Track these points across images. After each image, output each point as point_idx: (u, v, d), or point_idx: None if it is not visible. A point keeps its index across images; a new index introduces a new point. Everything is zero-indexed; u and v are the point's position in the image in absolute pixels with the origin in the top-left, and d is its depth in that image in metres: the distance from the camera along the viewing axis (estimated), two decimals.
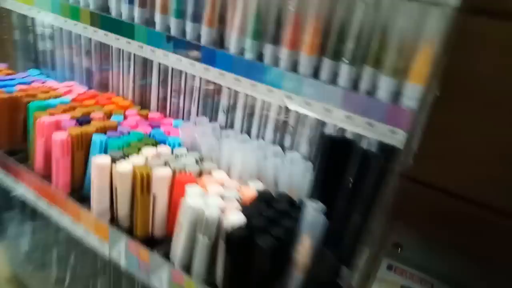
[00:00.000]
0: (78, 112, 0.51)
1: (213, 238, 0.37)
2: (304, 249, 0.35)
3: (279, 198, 0.40)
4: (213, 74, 0.47)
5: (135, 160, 0.43)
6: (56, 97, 0.56)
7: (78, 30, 0.58)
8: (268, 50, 0.44)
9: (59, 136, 0.44)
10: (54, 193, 0.47)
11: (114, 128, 0.49)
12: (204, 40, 0.48)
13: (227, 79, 0.46)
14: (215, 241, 0.37)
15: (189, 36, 0.49)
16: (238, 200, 0.39)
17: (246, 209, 0.38)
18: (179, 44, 0.49)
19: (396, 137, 0.37)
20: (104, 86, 0.62)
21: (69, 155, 0.46)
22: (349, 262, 0.36)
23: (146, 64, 0.56)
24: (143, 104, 0.58)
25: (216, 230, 0.37)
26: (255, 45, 0.45)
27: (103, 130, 0.48)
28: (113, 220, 0.44)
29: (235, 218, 0.36)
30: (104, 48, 0.59)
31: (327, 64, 0.41)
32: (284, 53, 0.43)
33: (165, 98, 0.56)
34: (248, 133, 0.49)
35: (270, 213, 0.37)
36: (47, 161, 0.48)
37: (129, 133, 0.49)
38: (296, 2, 0.41)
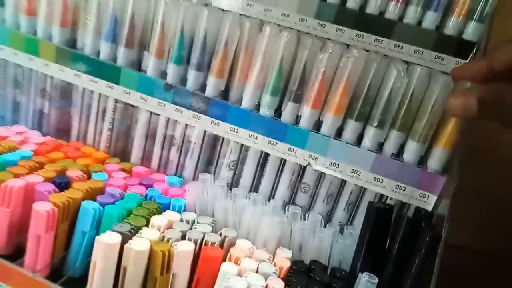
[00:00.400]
0: (49, 171, 0.42)
1: None
2: None
3: (314, 266, 0.38)
4: (223, 129, 0.44)
5: (149, 235, 0.36)
6: (11, 149, 0.45)
7: (34, 66, 0.49)
8: (288, 107, 0.42)
9: (42, 207, 0.36)
10: (29, 278, 0.37)
11: (101, 191, 0.42)
12: (209, 92, 0.45)
13: (240, 135, 0.43)
14: None
15: (190, 85, 0.45)
16: (276, 274, 0.36)
17: (292, 285, 0.35)
18: (180, 94, 0.44)
19: (427, 201, 0.39)
20: (63, 132, 0.53)
21: (53, 230, 0.37)
22: None
23: (128, 109, 0.49)
24: (120, 155, 0.51)
25: None
26: (273, 101, 0.43)
27: (90, 195, 0.40)
28: None
29: None
30: (66, 87, 0.50)
31: (352, 126, 0.41)
32: (306, 111, 0.42)
33: (151, 149, 0.49)
34: (256, 190, 0.47)
35: (316, 286, 0.35)
36: (11, 238, 0.38)
37: (122, 196, 0.42)
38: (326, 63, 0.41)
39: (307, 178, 0.45)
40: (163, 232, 0.38)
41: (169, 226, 0.39)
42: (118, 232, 0.36)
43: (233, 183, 0.47)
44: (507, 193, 0.58)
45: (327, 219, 0.44)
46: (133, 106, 0.48)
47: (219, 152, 0.47)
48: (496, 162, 0.58)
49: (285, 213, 0.43)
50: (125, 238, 0.35)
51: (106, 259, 0.35)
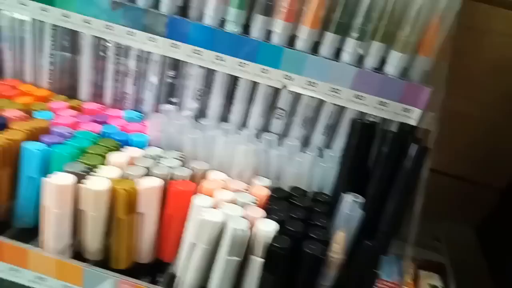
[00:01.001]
0: None
1: (243, 255, 0.31)
2: (339, 245, 0.32)
3: (295, 192, 0.36)
4: (184, 52, 0.38)
5: (107, 173, 0.32)
6: None
7: None
8: (258, 22, 0.37)
9: None
10: None
11: (47, 131, 0.36)
12: (165, 8, 0.39)
13: (204, 58, 0.38)
14: (244, 258, 0.31)
15: (142, 1, 0.39)
16: (255, 204, 0.33)
17: (271, 212, 0.32)
18: (131, 13, 0.38)
19: (411, 116, 0.37)
20: None
21: None
22: (385, 251, 0.34)
23: (73, 37, 0.42)
24: (67, 92, 0.44)
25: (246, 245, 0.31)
26: (240, 16, 0.38)
27: (33, 136, 0.35)
28: (78, 256, 0.33)
29: (268, 227, 0.30)
30: None
31: (329, 39, 0.37)
32: (278, 25, 0.37)
33: (101, 83, 0.43)
34: (226, 120, 0.43)
35: (299, 212, 0.33)
36: None
37: (72, 135, 0.36)
38: None
39: (282, 102, 0.41)
40: (124, 170, 0.33)
41: (131, 163, 0.35)
42: (70, 172, 0.31)
43: (201, 114, 0.42)
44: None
45: (305, 144, 0.41)
46: (75, 32, 0.41)
47: (181, 80, 0.42)
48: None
49: (260, 141, 0.39)
50: (80, 179, 0.31)
51: (58, 204, 0.31)
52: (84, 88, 0.44)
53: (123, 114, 0.42)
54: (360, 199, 0.33)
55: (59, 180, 0.30)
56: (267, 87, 0.40)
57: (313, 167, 0.38)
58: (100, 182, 0.31)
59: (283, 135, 0.42)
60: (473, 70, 0.57)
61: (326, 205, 0.35)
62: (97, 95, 0.44)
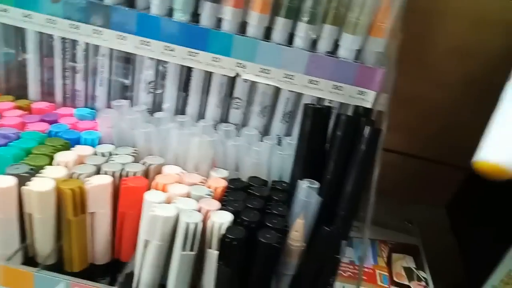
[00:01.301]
0: None
1: (198, 248, 0.30)
2: (298, 232, 0.32)
3: (253, 183, 0.36)
4: (132, 43, 0.37)
5: (53, 173, 0.31)
6: None
7: None
8: (207, 9, 0.37)
9: None
10: None
11: None
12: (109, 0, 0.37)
13: (153, 49, 0.37)
14: (198, 251, 0.31)
15: None
16: (211, 196, 0.33)
17: (227, 203, 0.32)
18: (72, 5, 0.37)
19: (366, 98, 0.37)
20: None
21: None
22: (345, 235, 0.34)
23: (16, 33, 0.40)
24: (16, 92, 0.43)
25: (201, 238, 0.30)
26: (188, 3, 0.37)
27: None
28: (30, 261, 0.32)
29: (222, 218, 0.30)
30: None
31: (281, 24, 0.37)
32: (228, 12, 0.37)
33: (51, 81, 0.42)
34: (182, 113, 0.42)
35: (255, 202, 0.33)
36: None
37: (18, 136, 0.35)
38: None
39: (238, 91, 0.40)
40: (72, 169, 0.32)
41: (80, 162, 0.33)
42: (12, 174, 0.30)
43: (155, 109, 0.41)
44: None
45: (264, 133, 0.41)
46: (19, 28, 0.39)
47: (133, 74, 0.40)
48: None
49: (217, 133, 0.39)
50: (23, 181, 0.30)
51: (2, 208, 0.29)
52: (33, 87, 0.42)
53: (75, 112, 0.41)
54: (316, 184, 0.33)
55: (1, 184, 0.29)
56: (221, 77, 0.39)
57: (272, 155, 0.38)
58: (44, 183, 0.30)
59: (242, 125, 0.41)
60: (433, 53, 0.57)
61: (285, 194, 0.35)
62: (47, 94, 0.43)
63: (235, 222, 0.30)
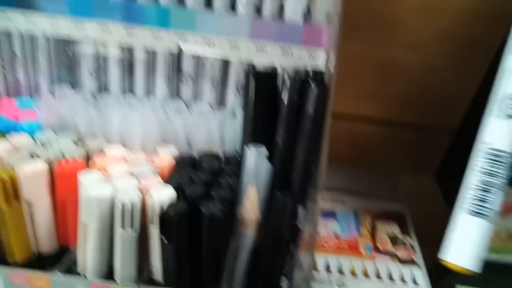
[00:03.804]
0: None
1: (139, 227, 0.29)
2: (252, 202, 0.31)
3: (204, 157, 0.35)
4: (66, 25, 0.36)
5: None
6: None
7: None
8: None
9: None
10: None
11: None
12: None
13: (88, 29, 0.36)
14: (142, 230, 0.30)
15: None
16: (154, 174, 0.32)
17: (171, 179, 0.31)
18: None
19: (317, 60, 0.36)
20: None
21: None
22: (302, 201, 0.33)
23: None
24: None
25: (141, 217, 0.29)
26: None
27: None
28: None
29: (163, 194, 0.29)
30: None
31: None
32: None
33: None
34: (131, 92, 0.41)
35: (203, 176, 0.31)
36: None
37: None
38: None
39: (185, 66, 0.39)
40: (5, 158, 0.31)
41: (15, 151, 0.32)
42: None
43: (100, 92, 0.40)
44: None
45: (218, 107, 0.40)
46: None
47: (73, 58, 0.39)
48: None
49: (166, 110, 0.38)
50: None
51: None
52: None
53: (15, 102, 0.39)
54: (264, 151, 0.32)
55: None
56: (165, 51, 0.38)
57: (225, 129, 0.37)
58: None
59: (193, 100, 0.40)
60: (400, 11, 0.56)
61: (236, 165, 0.34)
62: None
63: (178, 198, 0.29)
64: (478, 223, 0.18)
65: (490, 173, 0.18)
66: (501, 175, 0.17)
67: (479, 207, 0.18)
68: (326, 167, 0.33)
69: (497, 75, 0.19)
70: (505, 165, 0.18)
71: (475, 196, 0.18)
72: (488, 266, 0.56)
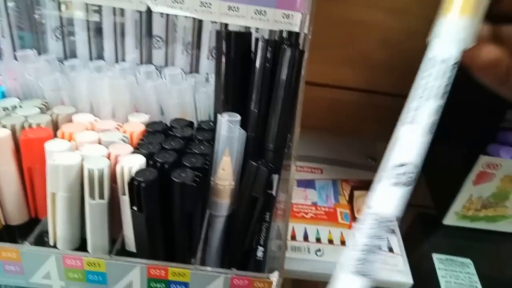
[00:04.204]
0: None
1: (109, 196, 0.29)
2: (225, 170, 0.31)
3: (176, 125, 0.34)
4: None
5: None
6: None
7: None
8: None
9: None
10: None
11: None
12: None
13: None
14: (112, 199, 0.29)
15: None
16: (125, 141, 0.31)
17: (142, 147, 0.30)
18: None
19: (292, 22, 0.34)
20: None
21: None
22: (277, 168, 0.33)
23: None
24: None
25: (110, 185, 0.28)
26: None
27: None
28: None
29: (133, 162, 0.28)
30: None
31: None
32: None
33: None
34: (100, 58, 0.39)
35: (175, 143, 0.31)
36: None
37: None
38: None
39: (156, 29, 0.37)
40: None
41: None
42: None
43: (67, 57, 0.38)
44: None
45: (191, 72, 0.39)
46: None
47: (37, 21, 0.37)
48: None
49: (137, 75, 0.36)
50: None
51: None
52: None
53: None
54: (237, 117, 0.31)
55: None
56: (134, 13, 0.36)
57: (198, 94, 0.36)
58: None
59: (166, 65, 0.39)
60: None
61: (210, 132, 0.33)
62: None
63: (148, 165, 0.29)
64: (360, 283, 0.19)
65: (374, 237, 0.19)
66: (383, 238, 0.19)
67: (362, 267, 0.19)
68: (299, 134, 0.32)
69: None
70: (388, 230, 0.19)
71: (359, 257, 0.19)
72: (463, 233, 0.58)
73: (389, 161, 0.19)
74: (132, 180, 0.27)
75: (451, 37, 0.19)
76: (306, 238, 0.52)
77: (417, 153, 0.19)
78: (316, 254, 0.50)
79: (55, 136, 0.31)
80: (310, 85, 0.62)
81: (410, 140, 0.19)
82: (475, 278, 0.52)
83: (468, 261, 0.54)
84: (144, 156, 0.29)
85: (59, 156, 0.28)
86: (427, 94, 0.19)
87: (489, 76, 0.22)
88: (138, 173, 0.27)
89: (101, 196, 0.28)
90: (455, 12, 0.18)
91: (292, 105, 0.31)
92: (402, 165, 0.19)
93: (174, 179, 0.28)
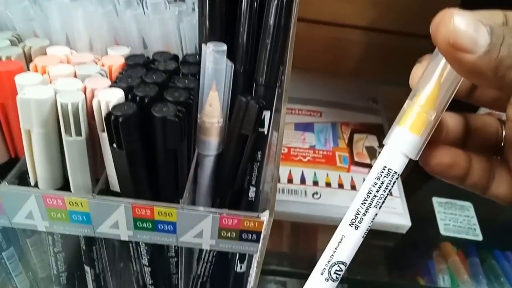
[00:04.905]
0: None
1: (87, 133, 0.27)
2: (212, 106, 0.29)
3: (158, 57, 0.31)
4: None
5: None
6: None
7: None
8: None
9: None
10: None
11: None
12: None
13: None
14: (92, 137, 0.28)
15: None
16: (102, 75, 0.29)
17: (121, 81, 0.28)
18: None
19: None
20: None
21: None
22: (268, 105, 0.31)
23: None
24: None
25: (89, 122, 0.27)
26: None
27: None
28: None
29: (111, 96, 0.26)
30: None
31: None
32: None
33: None
34: None
35: (157, 77, 0.29)
36: None
37: None
38: None
39: None
40: None
41: None
42: None
43: None
44: None
45: (176, 0, 0.35)
46: None
47: None
48: None
49: (115, 3, 0.33)
50: None
51: None
52: None
53: None
54: (223, 47, 0.28)
55: None
56: None
57: (182, 24, 0.33)
58: None
59: None
60: None
61: (196, 66, 0.31)
62: None
63: (127, 99, 0.27)
64: None
65: None
66: None
67: None
68: (291, 68, 0.30)
69: None
70: None
71: None
72: None
73: (330, 257, 0.20)
74: (109, 115, 0.25)
75: (399, 148, 0.20)
76: (303, 181, 0.51)
77: (351, 255, 0.20)
78: (313, 197, 0.49)
79: (28, 70, 0.29)
80: (307, 23, 0.59)
81: (352, 244, 0.20)
82: (474, 220, 0.52)
83: (468, 204, 0.53)
84: (123, 90, 0.27)
85: (30, 89, 0.26)
86: (375, 202, 0.20)
87: (445, 178, 0.23)
88: (116, 107, 0.26)
89: (78, 133, 0.26)
90: (406, 125, 0.20)
91: (284, 36, 0.29)
92: (342, 263, 0.20)
93: (155, 113, 0.26)
